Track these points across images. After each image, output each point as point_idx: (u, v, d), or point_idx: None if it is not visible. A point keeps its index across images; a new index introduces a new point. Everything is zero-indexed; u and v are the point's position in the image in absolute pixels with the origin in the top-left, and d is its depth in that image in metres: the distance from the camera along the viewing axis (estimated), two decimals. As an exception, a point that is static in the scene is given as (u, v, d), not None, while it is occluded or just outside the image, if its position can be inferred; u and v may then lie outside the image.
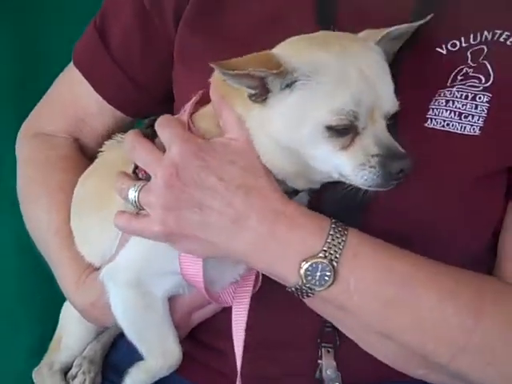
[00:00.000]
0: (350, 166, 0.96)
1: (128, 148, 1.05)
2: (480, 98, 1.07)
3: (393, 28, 1.03)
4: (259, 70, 0.93)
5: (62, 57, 1.38)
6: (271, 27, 1.14)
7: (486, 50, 1.08)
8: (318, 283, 0.96)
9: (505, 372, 1.02)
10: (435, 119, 1.07)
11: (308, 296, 0.99)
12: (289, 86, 0.96)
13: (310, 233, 0.98)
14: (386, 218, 1.08)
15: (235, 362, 1.10)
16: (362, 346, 1.06)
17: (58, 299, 1.29)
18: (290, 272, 0.98)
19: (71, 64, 1.37)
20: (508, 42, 1.08)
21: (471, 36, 1.09)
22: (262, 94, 0.97)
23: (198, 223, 0.98)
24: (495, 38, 1.09)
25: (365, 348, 1.06)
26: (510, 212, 1.12)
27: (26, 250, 1.40)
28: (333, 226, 0.98)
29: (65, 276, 1.21)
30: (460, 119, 1.07)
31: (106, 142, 1.25)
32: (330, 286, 0.97)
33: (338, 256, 0.96)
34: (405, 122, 1.03)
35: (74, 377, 1.27)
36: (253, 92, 0.97)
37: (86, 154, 1.37)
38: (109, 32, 1.31)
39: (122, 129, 1.37)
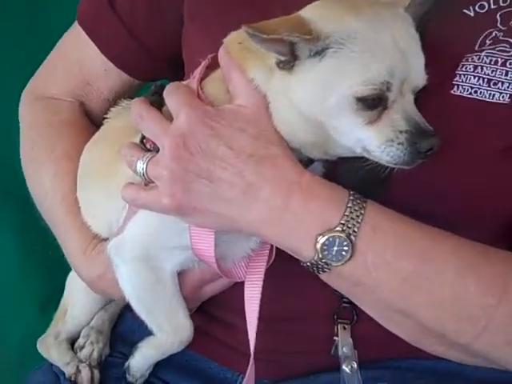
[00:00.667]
0: (377, 142, 0.91)
1: (134, 117, 1.00)
2: (511, 63, 1.01)
3: None
4: (293, 35, 0.87)
5: (66, 17, 1.32)
6: None
7: None
8: (334, 258, 0.91)
9: None
10: (462, 86, 1.02)
11: (324, 271, 0.94)
12: (318, 53, 0.90)
13: (327, 205, 0.92)
14: (408, 192, 1.02)
15: (247, 337, 1.06)
16: (381, 322, 1.01)
17: (63, 268, 1.25)
18: (305, 246, 0.92)
19: (75, 24, 1.31)
20: None
21: None
22: (289, 60, 0.91)
23: (207, 195, 0.93)
24: None
25: (383, 324, 1.01)
26: None
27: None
28: (351, 198, 0.92)
29: (71, 247, 1.17)
30: (489, 86, 1.01)
31: (112, 109, 1.19)
32: (347, 261, 0.92)
33: (356, 230, 0.91)
34: (430, 88, 0.97)
35: (82, 347, 1.23)
36: (282, 58, 0.91)
37: (91, 119, 1.31)
38: None
39: (129, 94, 1.32)
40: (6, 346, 1.40)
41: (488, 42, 1.03)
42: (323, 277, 0.96)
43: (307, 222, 0.92)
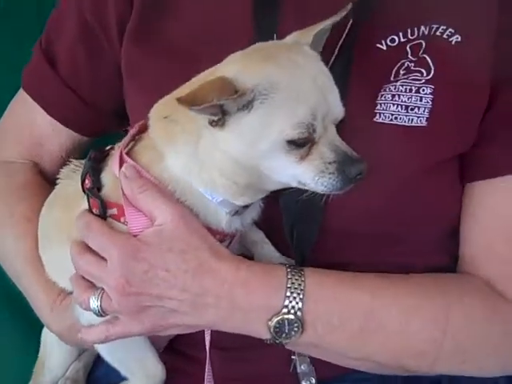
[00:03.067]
0: (310, 175, 0.96)
1: (81, 229, 1.04)
2: (423, 90, 1.07)
3: (319, 27, 1.01)
4: (222, 99, 0.91)
5: (13, 83, 1.34)
6: (212, 38, 1.12)
7: (424, 44, 1.09)
8: (288, 336, 1.00)
9: (479, 364, 1.08)
10: (383, 113, 1.08)
11: (283, 345, 1.03)
12: (246, 106, 0.94)
13: (269, 292, 1.00)
14: (343, 216, 1.08)
15: (212, 366, 1.10)
16: (341, 365, 1.09)
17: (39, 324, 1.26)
18: (260, 331, 1.01)
19: (21, 89, 1.33)
20: (444, 36, 1.09)
21: (409, 31, 1.10)
22: (220, 118, 0.95)
23: (166, 314, 1.01)
24: (432, 33, 1.09)
25: (343, 365, 1.09)
26: (466, 196, 1.14)
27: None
28: (289, 277, 1.01)
29: (39, 302, 1.19)
30: (407, 112, 1.07)
31: (62, 170, 1.21)
32: (300, 334, 1.00)
33: (300, 307, 1.00)
34: (355, 118, 1.03)
35: (59, 398, 1.26)
36: (215, 118, 0.95)
37: (46, 178, 1.33)
38: (54, 52, 1.28)
39: (82, 149, 1.34)
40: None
41: (402, 72, 1.09)
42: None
43: (255, 313, 1.00)
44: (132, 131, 1.07)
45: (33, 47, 1.31)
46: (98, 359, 1.31)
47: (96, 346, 1.13)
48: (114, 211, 1.03)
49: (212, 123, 0.96)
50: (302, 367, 1.13)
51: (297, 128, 0.93)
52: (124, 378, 1.15)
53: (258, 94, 0.93)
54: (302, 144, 0.94)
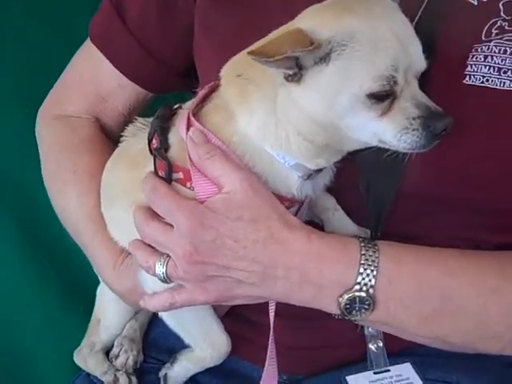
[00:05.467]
0: (393, 132, 0.88)
1: (147, 193, 0.98)
2: None
3: None
4: (296, 51, 0.84)
5: (78, 33, 1.28)
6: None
7: None
8: (358, 313, 0.94)
9: None
10: (474, 75, 0.99)
11: (352, 321, 0.96)
12: (323, 59, 0.87)
13: (341, 267, 0.93)
14: (424, 181, 1.00)
15: (275, 335, 1.04)
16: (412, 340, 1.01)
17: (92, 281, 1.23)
18: (329, 307, 0.95)
19: (88, 40, 1.27)
20: None
21: None
22: (297, 72, 0.88)
23: (233, 284, 0.95)
24: None
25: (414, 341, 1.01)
26: None
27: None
28: (362, 252, 0.93)
29: (100, 262, 1.14)
30: (499, 74, 0.98)
31: (127, 127, 1.14)
32: (370, 312, 0.94)
33: (373, 285, 0.92)
34: (443, 79, 0.96)
35: (117, 356, 1.21)
36: (291, 72, 0.88)
37: (107, 134, 1.28)
38: (125, 5, 1.22)
39: (143, 107, 1.29)
40: (42, 358, 1.36)
41: (494, 31, 1.00)
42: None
43: (326, 288, 0.93)
44: (202, 92, 1.00)
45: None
46: (155, 319, 1.27)
47: (160, 313, 1.08)
48: (180, 175, 0.97)
49: (288, 78, 0.89)
50: (370, 329, 1.07)
51: (377, 80, 0.86)
52: (184, 345, 1.11)
53: (336, 46, 0.86)
54: (383, 98, 0.87)
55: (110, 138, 1.27)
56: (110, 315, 1.23)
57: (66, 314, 1.39)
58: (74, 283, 1.39)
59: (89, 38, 1.27)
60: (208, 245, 0.92)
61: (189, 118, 0.96)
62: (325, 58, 0.87)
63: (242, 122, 0.95)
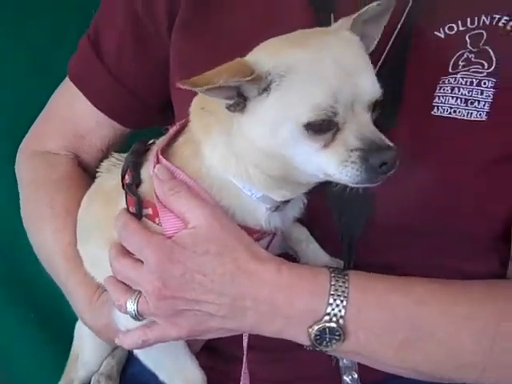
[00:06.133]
0: (334, 164, 0.87)
1: (118, 229, 0.98)
2: (485, 83, 1.00)
3: (361, 11, 0.92)
4: (231, 81, 0.84)
5: (58, 73, 1.29)
6: (267, 27, 1.04)
7: (485, 34, 1.00)
8: (329, 344, 0.93)
9: None
10: (441, 107, 1.00)
11: (324, 352, 0.95)
12: (266, 89, 0.87)
13: (311, 298, 0.93)
14: (394, 210, 1.00)
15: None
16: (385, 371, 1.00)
17: (71, 318, 1.21)
18: (299, 337, 0.94)
19: (67, 79, 1.29)
20: (508, 27, 1.00)
21: (468, 20, 1.01)
22: (239, 103, 0.89)
23: (204, 318, 0.95)
24: (494, 23, 1.01)
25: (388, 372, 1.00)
26: None
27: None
28: (332, 282, 0.93)
29: (77, 298, 1.13)
30: (466, 105, 0.99)
31: (102, 163, 1.16)
32: (341, 343, 0.93)
33: (342, 315, 0.92)
34: (411, 110, 0.97)
35: (93, 394, 1.20)
36: (230, 102, 0.89)
37: (86, 170, 1.28)
38: (102, 43, 1.23)
39: (123, 142, 1.30)
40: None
41: (461, 63, 1.01)
42: None
43: (296, 319, 0.93)
44: (173, 129, 1.01)
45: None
46: (132, 355, 1.24)
47: (135, 351, 1.08)
48: (149, 211, 0.97)
49: (230, 108, 0.89)
50: (345, 361, 1.06)
51: (315, 110, 0.85)
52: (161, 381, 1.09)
53: (275, 77, 0.86)
54: (323, 130, 0.86)
55: (88, 173, 1.27)
56: (87, 351, 1.22)
57: (46, 353, 1.36)
58: (54, 322, 1.37)
59: (67, 77, 1.28)
60: (176, 279, 0.92)
61: (157, 155, 0.97)
62: (266, 89, 0.87)
63: (207, 156, 0.95)
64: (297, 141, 0.87)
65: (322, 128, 0.86)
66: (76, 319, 1.23)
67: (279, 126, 0.87)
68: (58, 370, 1.26)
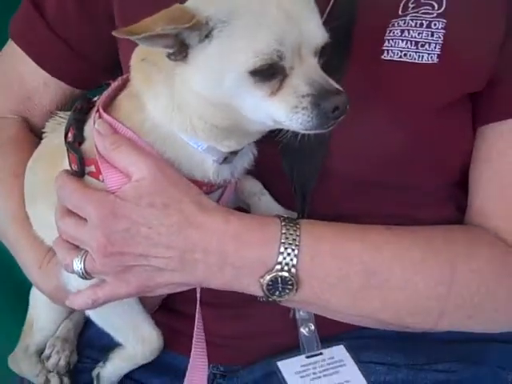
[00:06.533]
0: (283, 111, 0.85)
1: (58, 189, 0.96)
2: (435, 24, 0.97)
3: None
4: (169, 28, 0.81)
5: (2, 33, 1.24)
6: None
7: None
8: (282, 294, 0.91)
9: (486, 319, 0.99)
10: (391, 50, 0.98)
11: (277, 302, 0.93)
12: (207, 36, 0.84)
13: (261, 248, 0.90)
14: (346, 160, 0.98)
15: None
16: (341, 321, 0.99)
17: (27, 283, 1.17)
18: (251, 288, 0.92)
19: (10, 40, 1.24)
20: None
21: None
22: (180, 51, 0.85)
23: (153, 273, 0.92)
24: None
25: (344, 321, 0.99)
26: (478, 139, 1.03)
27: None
28: (283, 231, 0.90)
29: (27, 262, 1.10)
30: (417, 48, 0.97)
31: (47, 123, 1.12)
32: (295, 292, 0.91)
33: (294, 264, 0.90)
34: (360, 55, 0.94)
35: (49, 357, 1.17)
36: (170, 51, 0.85)
37: (36, 134, 1.23)
38: (44, 1, 1.18)
39: (70, 104, 1.25)
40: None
41: (411, 5, 0.99)
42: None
43: (246, 269, 0.90)
44: (114, 84, 0.98)
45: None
46: (89, 319, 1.22)
47: (87, 312, 1.05)
48: (93, 168, 0.94)
49: (170, 57, 0.86)
50: (301, 313, 1.04)
51: (259, 55, 0.82)
52: (118, 344, 1.07)
53: (217, 22, 0.83)
54: (269, 76, 0.84)
55: (39, 137, 1.23)
56: (42, 316, 1.19)
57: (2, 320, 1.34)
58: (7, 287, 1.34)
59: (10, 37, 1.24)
60: (121, 234, 0.89)
61: (98, 110, 0.94)
62: (208, 36, 0.84)
63: (150, 108, 0.92)
64: (243, 89, 0.85)
65: (269, 74, 0.84)
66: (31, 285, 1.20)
67: (223, 74, 0.85)
68: (15, 337, 1.23)
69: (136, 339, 1.04)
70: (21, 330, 1.22)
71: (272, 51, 0.82)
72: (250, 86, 0.84)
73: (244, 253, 0.90)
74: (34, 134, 1.24)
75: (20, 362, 1.18)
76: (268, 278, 0.90)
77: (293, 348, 1.05)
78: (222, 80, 0.85)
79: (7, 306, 1.37)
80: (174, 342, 1.11)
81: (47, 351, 1.18)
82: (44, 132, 1.13)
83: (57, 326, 1.19)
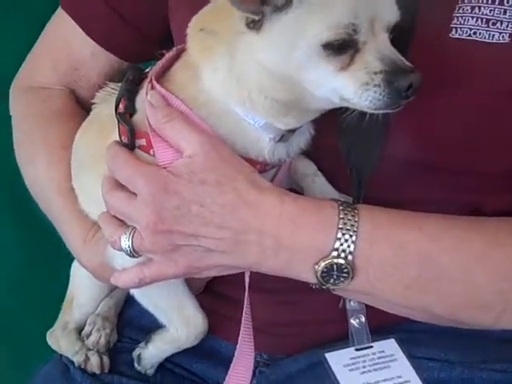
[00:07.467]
0: (352, 87, 0.81)
1: (108, 161, 0.92)
2: (508, 1, 0.90)
3: None
4: None
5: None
6: None
7: None
8: (336, 281, 0.86)
9: None
10: (460, 28, 0.91)
11: (329, 291, 0.89)
12: (284, 6, 0.80)
13: (317, 231, 0.85)
14: (409, 142, 0.93)
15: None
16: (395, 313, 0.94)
17: (66, 259, 1.15)
18: (305, 275, 0.87)
19: (59, 9, 1.20)
20: None
21: None
22: (259, 19, 0.82)
23: (203, 254, 0.87)
24: None
25: (398, 314, 0.94)
26: None
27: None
28: (341, 216, 0.85)
29: (71, 236, 1.07)
30: (488, 26, 0.90)
31: (97, 93, 1.08)
32: (350, 281, 0.86)
33: (351, 251, 0.84)
34: (427, 33, 0.88)
35: (89, 335, 1.14)
36: (256, 18, 0.81)
37: (82, 105, 1.21)
38: None
39: (118, 76, 1.21)
40: (15, 341, 1.30)
41: None
42: None
43: (301, 254, 0.86)
44: (169, 54, 0.94)
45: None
46: (131, 297, 1.18)
47: (131, 291, 1.02)
48: (143, 142, 0.90)
49: (250, 25, 0.82)
50: (352, 303, 0.99)
51: (333, 28, 0.78)
52: (160, 324, 1.04)
53: None
54: (342, 49, 0.80)
55: (85, 108, 1.20)
56: (83, 292, 1.16)
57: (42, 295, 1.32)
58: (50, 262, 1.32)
59: (60, 6, 1.20)
60: (172, 212, 0.85)
61: (150, 81, 0.90)
62: (285, 6, 0.80)
63: (207, 80, 0.88)
64: (312, 62, 0.81)
65: (342, 48, 0.80)
66: (73, 259, 1.17)
67: (295, 45, 0.81)
68: (55, 313, 1.20)
69: (180, 321, 1.01)
70: (59, 306, 1.20)
71: (347, 25, 0.78)
72: (320, 60, 0.80)
73: (300, 237, 0.85)
74: (81, 107, 1.21)
75: (59, 339, 1.15)
76: (323, 264, 0.85)
77: (341, 339, 1.00)
78: (291, 52, 0.81)
79: (48, 278, 1.34)
80: (218, 327, 1.08)
81: (87, 328, 1.15)
82: (93, 103, 1.09)
83: (97, 303, 1.16)
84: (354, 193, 0.96)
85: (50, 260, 1.35)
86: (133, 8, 1.15)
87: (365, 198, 0.95)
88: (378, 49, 0.80)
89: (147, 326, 1.09)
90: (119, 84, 1.02)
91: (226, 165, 0.86)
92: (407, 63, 0.81)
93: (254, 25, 0.82)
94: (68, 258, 1.15)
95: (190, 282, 1.02)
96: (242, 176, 0.85)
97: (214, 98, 0.88)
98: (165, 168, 0.86)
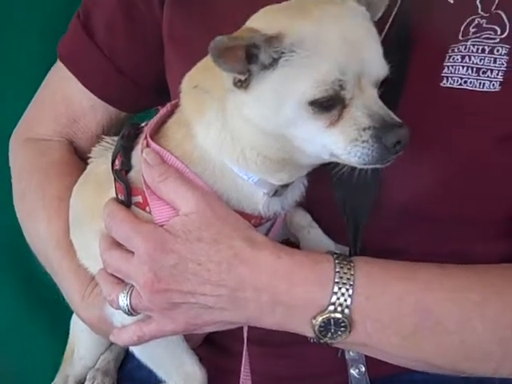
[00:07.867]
0: (342, 144, 0.81)
1: (105, 218, 0.92)
2: (498, 50, 0.91)
3: None
4: (257, 37, 0.78)
5: (48, 56, 1.23)
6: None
7: None
8: (334, 335, 0.86)
9: None
10: (451, 77, 0.92)
11: (329, 345, 0.88)
12: (272, 64, 0.80)
13: (314, 286, 0.85)
14: (402, 192, 0.93)
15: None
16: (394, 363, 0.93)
17: (67, 312, 1.15)
18: (302, 329, 0.87)
19: (58, 62, 1.22)
20: None
21: None
22: (247, 77, 0.82)
23: (201, 311, 0.88)
24: None
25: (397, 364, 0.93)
26: None
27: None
28: (337, 270, 0.85)
29: (70, 290, 1.07)
30: (478, 75, 0.91)
31: (94, 148, 1.09)
32: (347, 334, 0.86)
33: (348, 305, 0.84)
34: (418, 83, 0.89)
35: (89, 390, 1.14)
36: (242, 78, 0.82)
37: (81, 157, 1.21)
38: (92, 23, 1.17)
39: (116, 127, 1.22)
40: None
41: (472, 30, 0.93)
42: None
43: (298, 309, 0.86)
44: (163, 110, 0.95)
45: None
46: (130, 352, 1.18)
47: (131, 348, 1.01)
48: (139, 199, 0.91)
49: (237, 84, 0.82)
50: (351, 353, 0.98)
51: (320, 85, 0.78)
52: (160, 379, 1.03)
53: (286, 50, 0.79)
54: (328, 106, 0.80)
55: (84, 160, 1.21)
56: (83, 346, 1.16)
57: (43, 347, 1.31)
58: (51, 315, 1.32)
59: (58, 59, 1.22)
60: (169, 270, 0.85)
61: (145, 138, 0.90)
62: (272, 64, 0.80)
63: (200, 137, 0.89)
64: (301, 119, 0.81)
65: (329, 105, 0.80)
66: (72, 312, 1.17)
67: (282, 103, 0.81)
68: (55, 366, 1.20)
69: (179, 376, 1.00)
70: (60, 358, 1.19)
71: (334, 81, 0.79)
72: (308, 117, 0.80)
73: (296, 292, 0.85)
74: (79, 157, 1.21)
75: (60, 392, 1.15)
76: (320, 319, 0.84)
77: None
78: (280, 109, 0.81)
79: (48, 333, 1.34)
80: (217, 379, 1.06)
81: None
82: (90, 157, 1.09)
83: (97, 355, 1.16)
84: (349, 243, 0.96)
85: (49, 311, 1.34)
86: (128, 58, 1.16)
87: (360, 249, 0.95)
88: (365, 104, 0.80)
89: (147, 380, 1.08)
90: (115, 138, 1.03)
91: (222, 222, 0.86)
92: (396, 118, 0.80)
93: (242, 83, 0.82)
94: (68, 310, 1.15)
95: (189, 336, 1.01)
96: (237, 233, 0.85)
97: (208, 154, 0.89)
98: (161, 226, 0.86)
